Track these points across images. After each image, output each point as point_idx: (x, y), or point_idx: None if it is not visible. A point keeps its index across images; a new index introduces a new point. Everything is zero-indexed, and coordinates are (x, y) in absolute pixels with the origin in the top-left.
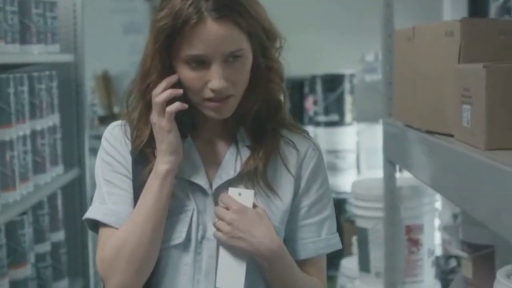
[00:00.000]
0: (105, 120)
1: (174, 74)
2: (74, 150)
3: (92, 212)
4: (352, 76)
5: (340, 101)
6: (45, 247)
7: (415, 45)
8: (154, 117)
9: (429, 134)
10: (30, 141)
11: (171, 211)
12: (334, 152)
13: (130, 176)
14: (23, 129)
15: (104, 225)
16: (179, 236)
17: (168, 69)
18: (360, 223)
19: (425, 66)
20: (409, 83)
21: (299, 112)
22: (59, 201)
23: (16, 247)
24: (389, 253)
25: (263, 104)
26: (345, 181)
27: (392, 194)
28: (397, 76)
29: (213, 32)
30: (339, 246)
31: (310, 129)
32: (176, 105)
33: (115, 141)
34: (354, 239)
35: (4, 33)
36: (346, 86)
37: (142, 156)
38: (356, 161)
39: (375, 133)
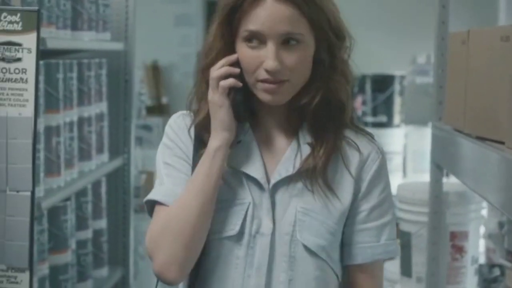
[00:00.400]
0: (153, 110)
1: (234, 54)
2: (120, 139)
3: (152, 195)
4: (402, 77)
5: (389, 102)
6: (87, 234)
7: (469, 49)
8: (209, 93)
9: (479, 140)
10: (77, 127)
11: (227, 202)
12: None
13: (190, 162)
14: (71, 115)
15: (160, 205)
16: (233, 228)
17: (229, 48)
18: (403, 226)
19: (479, 70)
20: (461, 87)
21: None
22: (103, 189)
23: (57, 232)
24: (431, 259)
25: (326, 102)
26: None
27: (437, 199)
28: (449, 79)
29: (271, 9)
30: (397, 253)
31: None
32: (230, 81)
33: (178, 128)
34: (397, 242)
35: (56, 19)
36: (396, 87)
37: (202, 143)
38: (402, 164)
39: (423, 136)
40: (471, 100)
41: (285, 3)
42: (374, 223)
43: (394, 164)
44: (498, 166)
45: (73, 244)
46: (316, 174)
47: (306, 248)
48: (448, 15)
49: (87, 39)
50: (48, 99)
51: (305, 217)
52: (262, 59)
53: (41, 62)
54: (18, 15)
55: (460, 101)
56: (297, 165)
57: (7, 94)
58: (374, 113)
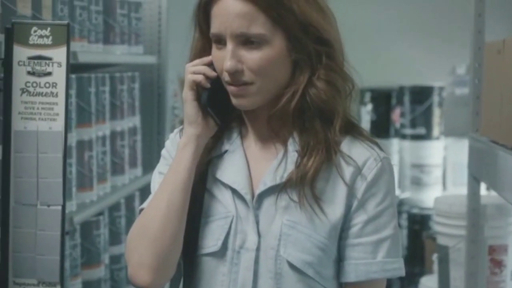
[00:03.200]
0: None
1: (210, 56)
2: (154, 153)
3: (144, 203)
4: (441, 88)
5: (428, 114)
6: (120, 249)
7: (505, 59)
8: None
9: None
10: (109, 141)
11: (212, 217)
12: (419, 167)
13: None
14: (103, 129)
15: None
16: (215, 244)
17: (209, 52)
18: (441, 240)
19: None
20: (497, 97)
21: (385, 123)
22: (136, 203)
23: (90, 247)
24: (470, 273)
25: (308, 108)
26: (429, 197)
27: (475, 212)
28: (485, 89)
29: (228, 8)
30: (399, 273)
31: (395, 141)
32: (199, 77)
33: (175, 138)
34: (435, 257)
35: (87, 33)
36: (435, 98)
37: None
38: (442, 177)
39: (464, 149)
40: (507, 111)
41: (243, 1)
42: (369, 237)
43: (434, 177)
44: None
45: (106, 259)
46: (304, 184)
47: (291, 264)
48: (484, 24)
49: (119, 53)
50: (80, 113)
51: (291, 231)
52: (224, 60)
53: (73, 76)
54: (48, 29)
55: (496, 111)
56: (285, 174)
57: (38, 108)
58: (413, 125)
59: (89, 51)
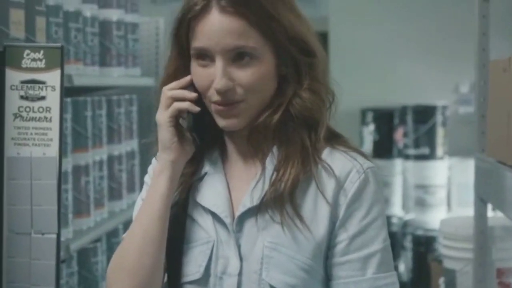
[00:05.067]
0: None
1: (189, 75)
2: None
3: (126, 233)
4: (444, 107)
5: (431, 133)
6: None
7: (510, 77)
8: (157, 113)
9: None
10: (106, 166)
11: (193, 242)
12: (423, 187)
13: None
14: (100, 154)
15: None
16: (197, 270)
17: (185, 68)
18: (448, 263)
19: None
20: (503, 116)
21: (388, 143)
22: None
23: (88, 275)
24: None
25: (291, 120)
26: (434, 218)
27: (483, 234)
28: (490, 109)
29: (217, 23)
30: (393, 287)
31: (398, 162)
32: (185, 104)
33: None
34: (442, 280)
35: (83, 55)
36: (438, 118)
37: None
38: (446, 198)
39: (468, 169)
40: None
41: (232, 14)
42: (357, 254)
43: (438, 198)
44: None
45: (104, 287)
46: (283, 202)
47: None
48: (489, 42)
49: (116, 75)
50: (76, 137)
51: (272, 253)
52: (213, 78)
53: (68, 100)
54: (41, 52)
55: (502, 131)
56: (263, 194)
57: (31, 134)
58: (416, 145)
59: (85, 74)
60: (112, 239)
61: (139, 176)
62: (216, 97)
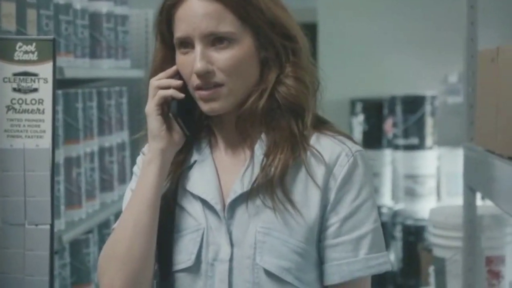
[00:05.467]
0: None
1: (174, 66)
2: None
3: (116, 223)
4: (433, 97)
5: (420, 123)
6: None
7: (499, 67)
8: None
9: None
10: (97, 158)
11: (183, 231)
12: (413, 177)
13: None
14: (91, 145)
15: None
16: (189, 258)
17: (171, 59)
18: (437, 252)
19: (509, 88)
20: (491, 106)
21: (377, 134)
22: None
23: (80, 266)
24: (467, 285)
25: (278, 107)
26: (424, 208)
27: (472, 223)
28: (479, 98)
29: (193, 9)
30: (385, 267)
31: (388, 152)
32: (169, 91)
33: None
34: (431, 269)
35: (74, 47)
36: (427, 108)
37: None
38: (436, 187)
39: (457, 158)
40: (503, 120)
41: (209, 0)
42: (348, 236)
43: (428, 188)
44: None
45: (96, 278)
46: (274, 187)
47: (268, 272)
48: (477, 32)
49: (106, 67)
50: (68, 129)
51: (265, 238)
52: (193, 64)
53: (59, 92)
54: (34, 44)
55: (491, 120)
56: (253, 179)
57: (24, 126)
58: (405, 135)
59: (76, 66)
60: (103, 230)
61: (130, 167)
62: (197, 81)
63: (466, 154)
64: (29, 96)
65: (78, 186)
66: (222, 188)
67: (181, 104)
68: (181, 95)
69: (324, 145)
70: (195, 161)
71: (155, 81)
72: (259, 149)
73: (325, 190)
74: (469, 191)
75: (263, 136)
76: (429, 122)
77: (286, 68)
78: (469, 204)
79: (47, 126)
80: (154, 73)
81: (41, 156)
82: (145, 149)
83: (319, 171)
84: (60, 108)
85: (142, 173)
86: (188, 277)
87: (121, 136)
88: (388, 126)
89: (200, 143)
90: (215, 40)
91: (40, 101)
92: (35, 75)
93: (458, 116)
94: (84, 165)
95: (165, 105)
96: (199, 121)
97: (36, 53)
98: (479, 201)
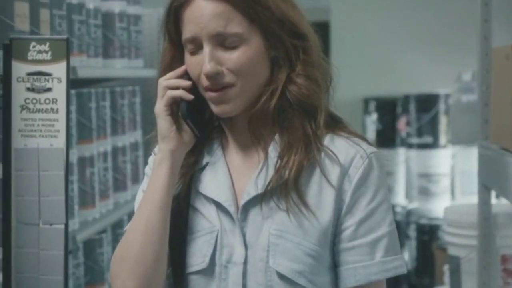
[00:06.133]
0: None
1: (183, 65)
2: None
3: (128, 225)
4: (447, 96)
5: (434, 122)
6: None
7: None
8: (156, 105)
9: None
10: (111, 157)
11: (197, 233)
12: (427, 176)
13: None
14: (104, 145)
15: None
16: (203, 261)
17: (180, 59)
18: (452, 251)
19: None
20: (506, 103)
21: (390, 133)
22: None
23: (94, 266)
24: (482, 284)
25: (290, 107)
26: (438, 207)
27: (487, 221)
28: (493, 96)
29: (200, 10)
30: (400, 270)
31: (401, 151)
32: (179, 92)
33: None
34: (446, 267)
35: (87, 47)
36: (441, 106)
37: None
38: (450, 186)
39: (472, 157)
40: None
41: (217, 0)
42: (365, 239)
43: (442, 187)
44: None
45: (109, 280)
46: (288, 189)
47: (281, 275)
48: (491, 29)
49: (119, 67)
50: (81, 129)
51: (278, 240)
52: (202, 65)
53: (73, 92)
54: (47, 44)
55: (506, 118)
56: (267, 181)
57: (38, 125)
58: (419, 134)
59: (89, 66)
60: (117, 230)
61: (143, 167)
62: (206, 82)
63: (481, 153)
64: (43, 96)
65: (92, 186)
66: (235, 190)
67: (191, 104)
68: (190, 96)
69: (338, 146)
70: (207, 163)
71: (164, 81)
72: (273, 150)
73: (339, 192)
74: (484, 189)
75: (276, 137)
76: (443, 120)
77: (297, 66)
78: (484, 202)
79: (61, 125)
80: (163, 73)
81: (55, 156)
82: (157, 149)
83: (334, 173)
84: (73, 108)
85: (153, 174)
86: (202, 280)
87: (134, 136)
88: (401, 124)
89: (211, 144)
90: (224, 40)
91: (54, 100)
92: (49, 74)
93: (472, 114)
94: (97, 165)
95: (174, 105)
96: (210, 121)
97: (49, 53)
98: (493, 199)
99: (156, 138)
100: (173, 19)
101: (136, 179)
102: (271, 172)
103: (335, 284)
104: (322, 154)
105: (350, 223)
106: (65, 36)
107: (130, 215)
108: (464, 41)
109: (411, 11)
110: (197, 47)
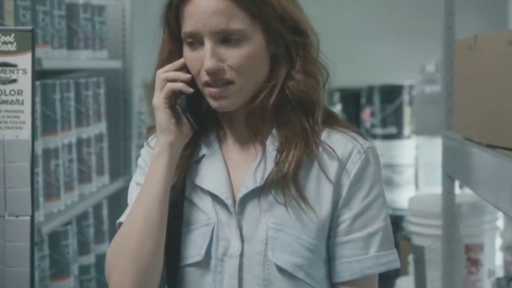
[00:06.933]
0: (153, 129)
1: (182, 58)
2: (121, 160)
3: (122, 217)
4: (411, 87)
5: (398, 113)
6: (89, 259)
7: (476, 55)
8: (154, 96)
9: (491, 148)
10: (75, 149)
11: (193, 225)
12: (391, 167)
13: None
14: (69, 137)
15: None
16: (199, 253)
17: (178, 53)
18: (416, 240)
19: (487, 76)
20: (469, 94)
21: (354, 123)
22: (104, 212)
23: (59, 258)
24: (446, 273)
25: (288, 103)
26: (402, 197)
27: (451, 211)
28: (457, 87)
29: (204, 5)
30: (394, 265)
31: None
32: (179, 85)
33: (150, 147)
34: (410, 257)
35: (51, 38)
36: (405, 97)
37: None
38: (414, 176)
39: (435, 147)
40: (481, 107)
41: None
42: (360, 233)
43: (406, 177)
44: (510, 174)
45: (75, 270)
46: (287, 183)
47: (280, 268)
48: (454, 21)
49: (84, 58)
50: (45, 120)
51: (277, 234)
52: (203, 60)
53: (37, 83)
54: (12, 35)
55: (469, 109)
56: (266, 175)
57: (3, 117)
58: (383, 124)
59: (53, 57)
60: (82, 222)
61: (107, 159)
62: (206, 78)
63: (445, 143)
64: (8, 87)
65: (57, 178)
66: (232, 182)
67: (189, 97)
68: (190, 90)
69: (335, 141)
70: (203, 155)
71: (163, 74)
72: (271, 144)
73: (337, 186)
74: (448, 179)
75: (274, 131)
76: (406, 111)
77: (297, 63)
78: (448, 192)
79: (27, 117)
80: (161, 65)
81: (21, 147)
82: (151, 141)
83: (332, 167)
84: (38, 99)
85: (151, 167)
86: (197, 272)
87: (99, 128)
88: (365, 115)
89: (208, 137)
90: (225, 37)
91: (19, 92)
92: (14, 66)
93: (436, 105)
94: (62, 157)
95: (172, 98)
96: (207, 114)
97: (15, 44)
98: (457, 189)
99: (149, 130)
100: (175, 12)
101: (101, 171)
102: (269, 165)
103: (329, 277)
104: (320, 149)
105: (346, 217)
106: (30, 27)
107: (95, 207)
108: (427, 32)
109: (375, 2)
110: (198, 42)
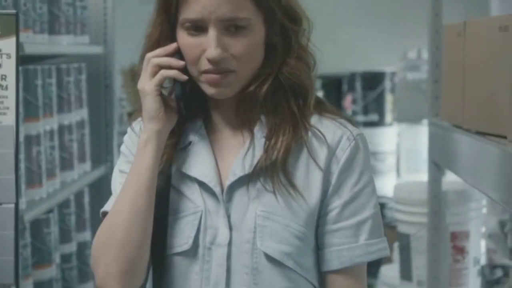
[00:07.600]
0: (135, 115)
1: (174, 43)
2: (102, 147)
3: (105, 206)
4: (393, 74)
5: (380, 100)
6: (71, 248)
7: (465, 41)
8: (140, 80)
9: (480, 135)
10: (57, 136)
11: (180, 213)
12: (373, 154)
13: None
14: (51, 123)
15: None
16: (186, 242)
17: (169, 36)
18: (402, 228)
19: (476, 63)
20: (458, 81)
21: None
22: (86, 200)
23: (41, 246)
24: (432, 261)
25: (281, 89)
26: (384, 185)
27: (437, 199)
28: (444, 73)
29: None
30: (384, 253)
31: None
32: (173, 72)
33: (133, 134)
34: (396, 245)
35: (32, 23)
36: (387, 84)
37: None
38: (396, 164)
39: (417, 135)
40: (470, 94)
41: None
42: (349, 221)
43: (387, 165)
44: (499, 161)
45: (57, 258)
46: (276, 170)
47: (269, 257)
48: (442, 7)
49: (65, 43)
50: (27, 106)
51: (266, 222)
52: (204, 47)
53: (19, 69)
54: None
55: (457, 95)
56: (254, 162)
57: None
58: (365, 111)
59: (35, 42)
60: (64, 209)
61: (89, 146)
62: (207, 66)
63: (431, 130)
64: None
65: (39, 165)
66: (220, 170)
67: (181, 84)
68: (185, 77)
69: (325, 127)
70: (190, 142)
71: (155, 59)
72: (259, 131)
73: (326, 173)
74: (434, 166)
75: (262, 118)
76: (388, 98)
77: (291, 50)
78: (434, 179)
79: (11, 102)
80: (150, 49)
81: (5, 134)
82: (135, 126)
83: (322, 153)
84: (20, 85)
85: (137, 154)
86: (184, 261)
87: (81, 114)
88: (347, 102)
89: (194, 123)
90: (231, 25)
91: (3, 77)
92: None
93: (418, 92)
94: (44, 143)
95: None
96: (194, 101)
97: None
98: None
99: (130, 116)
100: None
101: (83, 158)
102: (257, 152)
103: (318, 266)
104: (310, 134)
105: (335, 205)
106: (14, 11)
107: (77, 194)
108: (409, 19)
109: None
110: (199, 29)
